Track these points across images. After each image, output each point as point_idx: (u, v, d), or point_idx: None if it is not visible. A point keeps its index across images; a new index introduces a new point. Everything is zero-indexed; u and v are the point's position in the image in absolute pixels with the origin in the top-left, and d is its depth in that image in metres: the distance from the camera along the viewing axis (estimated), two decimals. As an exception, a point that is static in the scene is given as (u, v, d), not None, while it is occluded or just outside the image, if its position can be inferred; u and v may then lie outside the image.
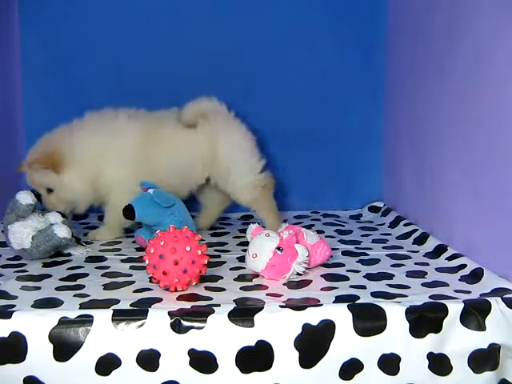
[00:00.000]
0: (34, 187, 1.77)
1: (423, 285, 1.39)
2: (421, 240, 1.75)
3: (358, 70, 2.19)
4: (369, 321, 1.19)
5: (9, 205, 1.62)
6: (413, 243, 1.76)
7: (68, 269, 1.53)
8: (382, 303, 1.22)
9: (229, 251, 1.69)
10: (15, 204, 1.60)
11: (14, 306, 1.24)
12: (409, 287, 1.37)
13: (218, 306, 1.21)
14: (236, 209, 2.16)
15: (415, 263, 1.57)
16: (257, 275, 1.46)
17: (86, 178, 1.79)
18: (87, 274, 1.48)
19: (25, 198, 1.61)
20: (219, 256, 1.63)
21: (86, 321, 1.16)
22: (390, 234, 1.89)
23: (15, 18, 2.10)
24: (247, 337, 1.17)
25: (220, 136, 1.90)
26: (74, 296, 1.32)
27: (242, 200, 1.92)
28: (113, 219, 1.84)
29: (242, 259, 1.56)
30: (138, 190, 1.75)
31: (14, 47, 2.10)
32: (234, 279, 1.45)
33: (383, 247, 1.73)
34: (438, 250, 1.64)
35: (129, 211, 1.66)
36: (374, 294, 1.32)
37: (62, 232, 1.59)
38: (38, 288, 1.38)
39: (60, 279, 1.45)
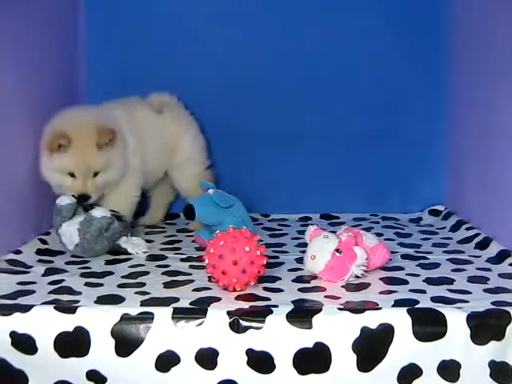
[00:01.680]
0: (85, 170, 1.70)
1: (485, 291, 1.36)
2: (483, 245, 1.71)
3: (421, 70, 2.15)
4: (428, 326, 1.17)
5: (53, 213, 1.67)
6: (475, 248, 1.72)
7: (129, 267, 1.56)
8: (442, 308, 1.20)
9: (287, 252, 1.69)
10: (56, 208, 1.65)
11: (78, 301, 1.28)
12: (470, 293, 1.34)
13: (276, 306, 1.22)
14: (294, 210, 2.17)
15: (477, 268, 1.54)
16: (315, 277, 1.46)
17: (123, 153, 1.81)
18: (148, 272, 1.51)
19: (63, 200, 1.65)
20: (277, 257, 1.63)
21: (147, 318, 1.18)
22: (450, 238, 1.85)
23: (80, 14, 2.15)
24: (305, 338, 1.17)
25: (182, 126, 2.05)
26: (135, 293, 1.34)
27: (186, 189, 2.04)
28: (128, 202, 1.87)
29: (300, 260, 1.55)
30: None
31: (80, 46, 2.15)
32: (292, 280, 1.45)
33: (444, 251, 1.70)
34: (501, 256, 1.60)
35: (189, 211, 1.68)
36: (434, 299, 1.30)
37: (99, 212, 1.63)
38: (101, 285, 1.41)
39: (122, 276, 1.48)
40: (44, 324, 1.19)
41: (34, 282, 1.41)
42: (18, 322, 1.19)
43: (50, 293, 1.34)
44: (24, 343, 1.18)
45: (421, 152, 2.20)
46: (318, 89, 2.17)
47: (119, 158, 1.79)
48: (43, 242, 1.72)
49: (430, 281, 1.43)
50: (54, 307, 1.20)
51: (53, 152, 1.69)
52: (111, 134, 1.73)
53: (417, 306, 1.24)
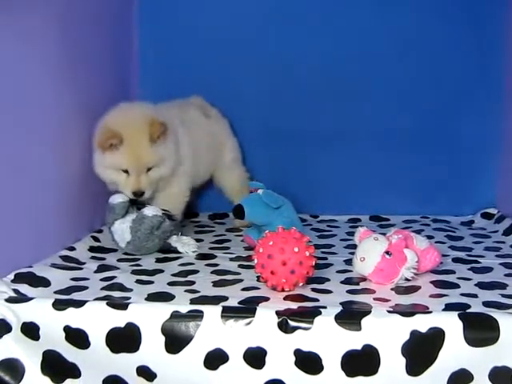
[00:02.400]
0: (138, 166, 1.70)
1: (539, 296, 1.33)
2: (537, 249, 1.67)
3: (474, 73, 2.12)
4: (480, 331, 1.15)
5: (106, 211, 1.70)
6: (529, 252, 1.69)
7: (179, 265, 1.58)
8: (494, 313, 1.18)
9: (336, 254, 1.69)
10: (109, 206, 1.68)
11: (129, 298, 1.30)
12: (524, 298, 1.32)
13: (325, 307, 1.22)
14: (343, 211, 2.16)
15: (531, 273, 1.50)
16: (364, 279, 1.45)
17: (175, 148, 1.81)
18: (197, 271, 1.53)
19: (116, 199, 1.68)
20: (326, 258, 1.63)
21: (197, 316, 1.19)
22: (503, 242, 1.81)
23: (134, 14, 2.18)
24: (354, 340, 1.16)
25: (225, 129, 2.13)
26: (185, 291, 1.36)
27: (232, 188, 2.10)
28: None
29: (349, 262, 1.54)
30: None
31: (133, 46, 2.19)
32: (341, 282, 1.44)
33: (496, 255, 1.67)
34: (556, 261, 1.56)
35: (239, 211, 1.69)
36: (486, 304, 1.28)
37: (150, 210, 1.65)
38: (152, 282, 1.44)
39: (172, 274, 1.50)
40: (97, 319, 1.21)
41: (87, 278, 1.45)
42: (72, 317, 1.22)
43: (102, 289, 1.37)
44: (77, 338, 1.21)
45: (473, 154, 2.16)
46: (370, 89, 2.15)
47: (171, 153, 1.78)
48: (96, 239, 1.76)
49: (481, 285, 1.41)
50: (107, 303, 1.23)
51: (105, 150, 1.71)
52: (162, 127, 1.73)
53: (468, 311, 1.22)
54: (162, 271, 1.53)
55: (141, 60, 2.20)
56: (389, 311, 1.20)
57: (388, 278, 1.42)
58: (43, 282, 1.39)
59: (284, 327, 1.17)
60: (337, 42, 2.13)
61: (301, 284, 1.38)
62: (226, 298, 1.30)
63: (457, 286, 1.41)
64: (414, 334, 1.15)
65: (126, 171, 1.72)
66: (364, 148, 2.17)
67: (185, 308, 1.21)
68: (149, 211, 1.66)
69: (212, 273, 1.51)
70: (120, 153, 1.70)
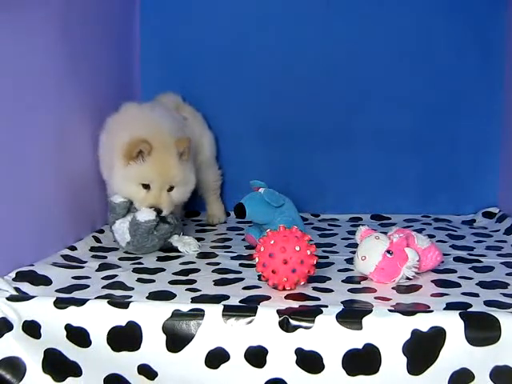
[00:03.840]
0: (163, 181, 1.64)
1: (541, 296, 1.33)
2: (539, 249, 1.67)
3: (474, 72, 2.12)
4: (481, 330, 1.15)
5: (108, 210, 1.70)
6: (530, 252, 1.69)
7: (181, 264, 1.58)
8: (495, 313, 1.18)
9: (337, 252, 1.69)
10: (110, 206, 1.68)
11: (130, 296, 1.31)
12: (525, 297, 1.32)
13: (326, 306, 1.22)
14: (345, 210, 2.16)
15: (532, 273, 1.50)
16: (365, 278, 1.45)
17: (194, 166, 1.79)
18: (199, 270, 1.53)
19: (117, 198, 1.67)
20: (327, 257, 1.63)
21: (198, 314, 1.19)
22: (505, 242, 1.81)
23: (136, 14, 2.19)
24: (355, 339, 1.16)
25: (201, 127, 2.09)
26: (186, 290, 1.36)
27: (209, 183, 2.09)
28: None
29: (350, 261, 1.55)
30: None
31: (134, 43, 2.19)
32: (342, 281, 1.44)
33: (498, 254, 1.67)
34: (558, 260, 1.56)
35: (240, 209, 1.69)
36: (488, 303, 1.28)
37: (143, 215, 1.62)
38: (153, 281, 1.44)
39: (173, 273, 1.50)
40: (98, 318, 1.21)
41: (88, 277, 1.45)
42: (73, 316, 1.22)
43: (103, 287, 1.37)
44: (78, 336, 1.21)
45: (474, 153, 2.16)
46: (370, 89, 2.15)
47: (194, 176, 1.75)
48: (97, 239, 1.76)
49: (483, 284, 1.41)
50: (108, 302, 1.23)
51: (130, 160, 1.62)
52: (188, 143, 1.69)
53: (469, 310, 1.22)
54: (163, 270, 1.53)
55: (142, 58, 2.20)
56: (390, 310, 1.20)
57: (389, 276, 1.42)
58: (44, 281, 1.39)
59: (285, 326, 1.17)
60: (337, 42, 2.13)
61: (302, 283, 1.38)
62: (227, 297, 1.31)
63: (458, 285, 1.41)
64: (415, 333, 1.15)
65: (147, 186, 1.65)
66: (365, 147, 2.17)
67: (186, 307, 1.21)
68: (141, 216, 1.62)
69: (213, 271, 1.52)
70: (146, 164, 1.63)
